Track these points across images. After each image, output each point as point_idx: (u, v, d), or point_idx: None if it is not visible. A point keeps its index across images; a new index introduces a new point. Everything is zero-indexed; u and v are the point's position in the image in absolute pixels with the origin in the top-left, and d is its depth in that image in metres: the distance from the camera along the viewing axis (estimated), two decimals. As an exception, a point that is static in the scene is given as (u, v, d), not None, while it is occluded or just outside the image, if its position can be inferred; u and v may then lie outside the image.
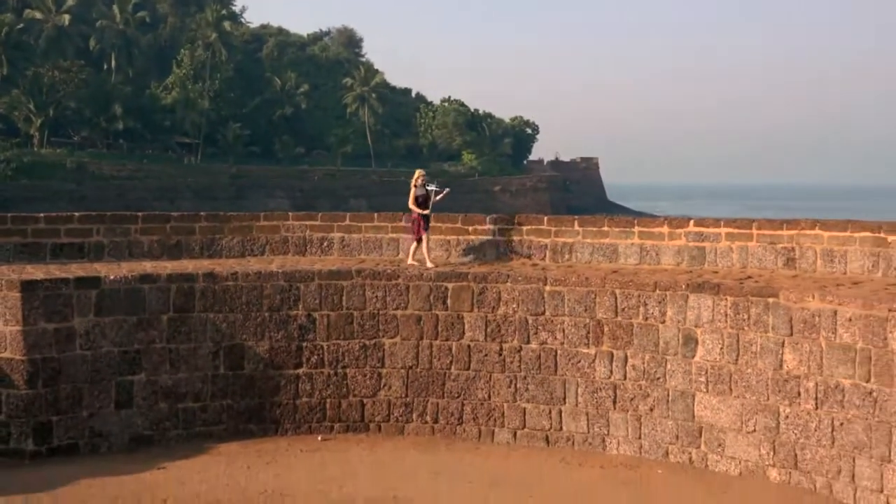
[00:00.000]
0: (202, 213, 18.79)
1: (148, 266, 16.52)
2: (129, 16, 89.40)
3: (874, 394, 12.79)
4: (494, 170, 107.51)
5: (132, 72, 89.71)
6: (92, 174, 78.54)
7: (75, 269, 15.88)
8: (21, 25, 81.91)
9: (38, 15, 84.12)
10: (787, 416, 13.80)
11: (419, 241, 16.98)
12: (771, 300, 13.97)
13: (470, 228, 17.97)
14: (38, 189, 70.19)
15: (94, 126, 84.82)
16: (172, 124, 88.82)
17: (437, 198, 17.22)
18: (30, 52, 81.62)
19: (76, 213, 18.12)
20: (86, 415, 14.92)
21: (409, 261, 16.93)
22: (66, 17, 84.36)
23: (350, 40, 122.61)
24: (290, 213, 19.33)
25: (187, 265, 16.74)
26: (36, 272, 15.47)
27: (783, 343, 13.81)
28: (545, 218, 18.51)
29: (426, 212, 17.02)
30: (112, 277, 15.35)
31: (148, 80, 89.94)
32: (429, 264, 16.67)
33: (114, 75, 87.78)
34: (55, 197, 67.36)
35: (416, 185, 17.09)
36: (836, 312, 13.25)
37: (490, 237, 17.83)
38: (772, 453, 13.95)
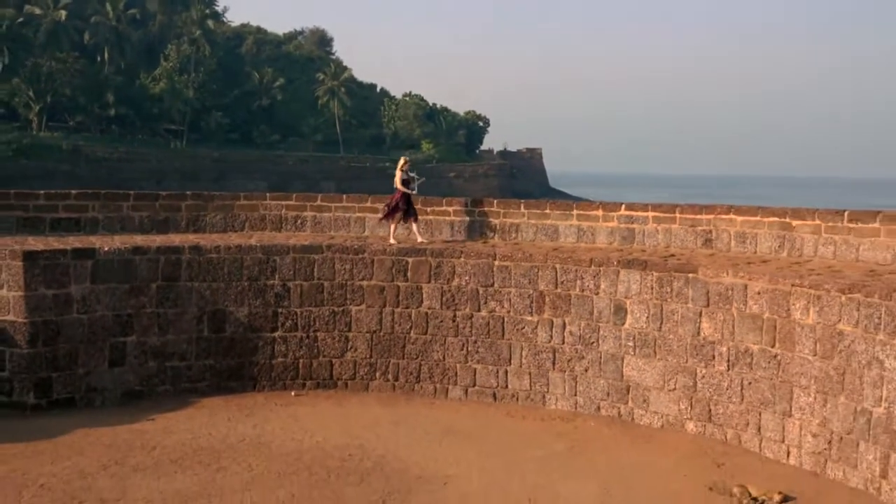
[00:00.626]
0: (188, 193, 18.66)
1: (139, 239, 16.37)
2: (120, 13, 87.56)
3: (778, 357, 13.10)
4: (450, 158, 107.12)
5: (123, 64, 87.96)
6: (86, 156, 76.95)
7: (73, 242, 15.69)
8: (21, 19, 79.96)
9: (37, 10, 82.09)
10: (703, 377, 14.07)
11: (403, 217, 16.90)
12: (691, 275, 14.20)
13: (429, 209, 18.01)
14: (36, 169, 68.69)
15: (88, 112, 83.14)
16: (160, 112, 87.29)
17: (416, 184, 17.30)
18: (29, 44, 79.74)
19: (73, 191, 17.91)
20: (82, 372, 14.80)
21: (391, 240, 16.70)
22: (63, 13, 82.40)
23: (322, 39, 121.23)
24: (268, 194, 19.29)
25: (174, 239, 16.62)
26: (37, 244, 15.28)
27: (701, 313, 14.05)
28: (495, 201, 18.62)
29: (413, 192, 17.04)
30: (106, 249, 15.20)
31: (138, 71, 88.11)
32: (392, 241, 16.69)
33: (106, 67, 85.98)
34: (52, 176, 65.93)
35: (402, 170, 17.08)
36: (746, 287, 13.52)
37: (446, 217, 17.90)
38: (689, 408, 14.22)
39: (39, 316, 14.38)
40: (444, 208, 17.98)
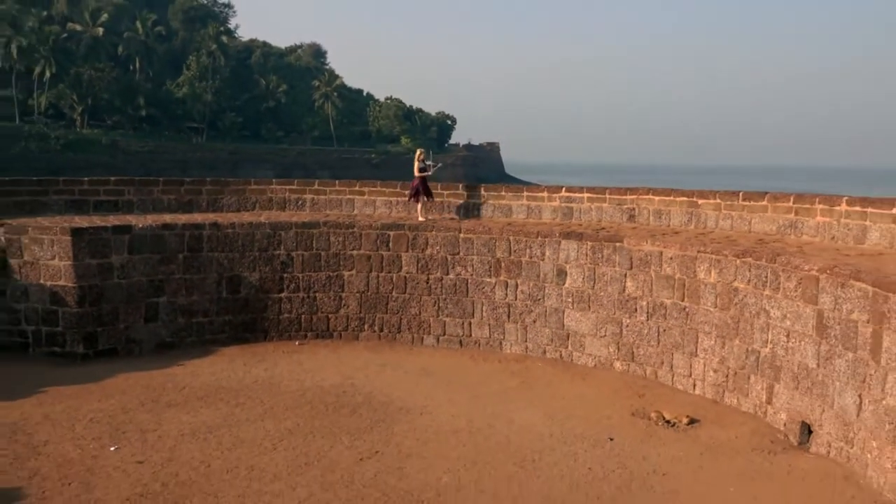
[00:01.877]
0: (208, 179, 18.46)
1: (167, 218, 16.21)
2: (148, 30, 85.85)
3: (686, 309, 13.32)
4: (424, 150, 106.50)
5: (152, 72, 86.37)
6: (122, 149, 75.77)
7: (112, 220, 15.52)
8: (65, 35, 78.18)
9: (78, 27, 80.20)
10: (627, 325, 14.28)
11: (423, 200, 16.84)
12: (618, 244, 14.36)
13: (406, 192, 17.93)
14: (80, 160, 67.53)
15: (123, 113, 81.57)
16: (183, 113, 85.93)
17: (432, 171, 17.22)
18: (72, 56, 78.01)
19: (112, 178, 17.68)
20: (122, 327, 14.72)
21: (420, 217, 16.71)
22: (101, 30, 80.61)
23: (317, 52, 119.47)
24: (274, 180, 19.11)
25: (197, 217, 16.47)
26: (82, 222, 15.10)
27: (626, 274, 14.23)
28: (460, 185, 18.56)
29: (427, 174, 16.95)
30: (140, 226, 15.06)
31: (164, 78, 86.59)
32: (420, 218, 16.65)
33: (137, 74, 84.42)
34: (94, 166, 64.74)
35: (418, 160, 17.01)
36: (661, 253, 13.70)
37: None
38: (617, 351, 14.45)
39: (86, 281, 14.27)
40: (418, 191, 17.95)
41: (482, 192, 17.79)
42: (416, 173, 17.00)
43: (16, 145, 68.92)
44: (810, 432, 10.67)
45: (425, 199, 16.89)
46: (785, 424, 11.19)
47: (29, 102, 75.67)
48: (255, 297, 15.95)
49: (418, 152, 17.46)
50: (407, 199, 17.28)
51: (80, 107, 76.42)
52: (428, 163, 17.24)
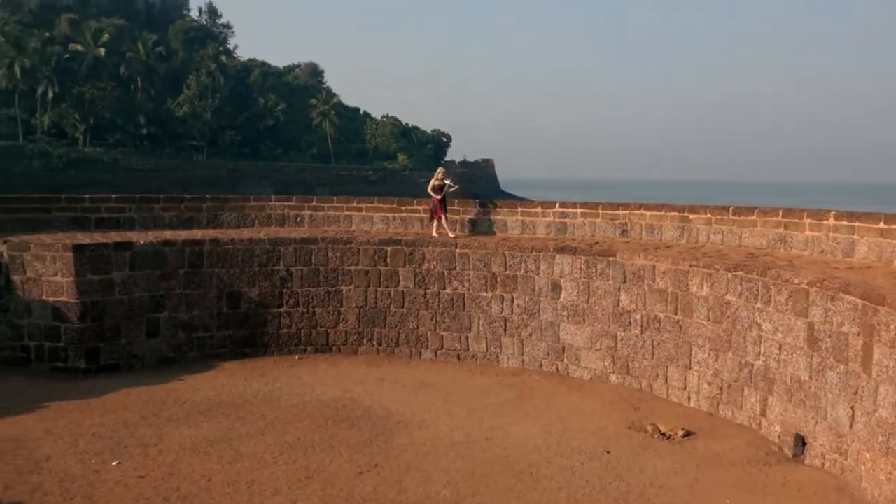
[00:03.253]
0: (208, 196, 18.42)
1: (168, 234, 16.19)
2: (149, 50, 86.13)
3: (680, 323, 13.31)
4: (420, 167, 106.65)
5: (153, 91, 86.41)
6: (123, 167, 75.55)
7: (114, 236, 15.48)
8: (67, 55, 78.36)
9: (80, 48, 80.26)
10: (622, 339, 14.25)
11: (438, 219, 16.82)
12: (611, 259, 14.36)
13: (403, 208, 18.00)
14: (82, 178, 67.29)
15: (124, 131, 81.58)
16: (184, 131, 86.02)
17: (450, 189, 17.14)
18: (74, 76, 78.11)
19: (113, 196, 17.60)
20: (124, 342, 14.63)
21: (434, 233, 16.68)
22: (102, 50, 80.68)
23: (314, 71, 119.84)
24: (273, 196, 19.10)
25: (197, 233, 16.44)
26: (84, 238, 15.06)
27: (619, 288, 14.23)
28: (456, 201, 18.55)
29: (439, 196, 16.86)
30: (141, 242, 15.02)
31: (165, 97, 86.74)
32: (451, 234, 16.60)
33: (139, 94, 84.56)
34: (95, 184, 64.40)
35: (436, 179, 16.98)
36: (654, 267, 13.71)
37: (417, 214, 17.87)
38: (612, 364, 14.41)
39: (88, 297, 14.20)
40: (414, 206, 17.96)
41: (478, 207, 17.81)
42: (430, 190, 17.03)
43: (19, 163, 68.84)
44: (804, 444, 10.63)
45: (434, 216, 16.85)
46: (779, 437, 11.15)
47: (32, 122, 75.71)
48: (254, 312, 15.89)
49: (439, 170, 17.46)
50: (432, 217, 17.11)
51: (83, 125, 76.43)
52: (446, 181, 17.17)
